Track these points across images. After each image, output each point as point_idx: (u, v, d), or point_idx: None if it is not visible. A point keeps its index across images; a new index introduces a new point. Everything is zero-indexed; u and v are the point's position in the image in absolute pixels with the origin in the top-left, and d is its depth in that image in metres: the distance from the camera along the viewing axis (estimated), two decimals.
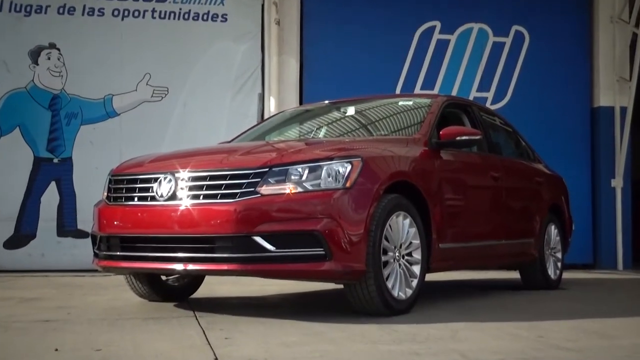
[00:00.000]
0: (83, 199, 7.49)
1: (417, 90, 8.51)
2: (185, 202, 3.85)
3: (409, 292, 4.11)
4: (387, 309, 3.93)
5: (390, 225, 3.97)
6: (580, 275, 7.76)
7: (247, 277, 5.77)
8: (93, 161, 7.57)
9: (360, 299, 3.92)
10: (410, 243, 4.15)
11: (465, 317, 4.09)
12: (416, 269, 4.18)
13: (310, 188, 3.75)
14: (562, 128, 8.88)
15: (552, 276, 6.14)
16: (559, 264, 6.31)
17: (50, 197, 7.60)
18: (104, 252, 4.22)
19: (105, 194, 4.35)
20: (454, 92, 8.55)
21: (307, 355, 2.91)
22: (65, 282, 6.36)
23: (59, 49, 7.75)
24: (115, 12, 7.87)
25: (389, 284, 3.95)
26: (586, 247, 8.83)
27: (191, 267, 3.82)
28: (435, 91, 8.52)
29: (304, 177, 3.78)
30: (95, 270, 4.66)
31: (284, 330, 3.50)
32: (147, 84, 7.88)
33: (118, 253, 4.14)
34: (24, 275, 6.97)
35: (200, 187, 3.87)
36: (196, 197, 3.85)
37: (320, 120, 5.62)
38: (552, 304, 5.08)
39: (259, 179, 3.76)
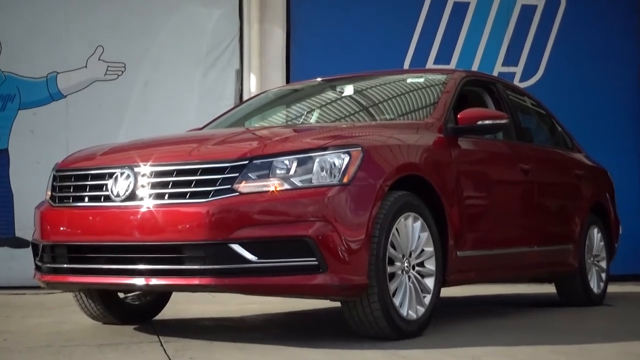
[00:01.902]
0: (22, 200, 7.46)
1: (430, 64, 8.52)
2: (146, 202, 3.84)
3: (421, 310, 4.11)
4: (394, 331, 3.94)
5: (397, 230, 3.98)
6: (628, 289, 7.79)
7: (223, 294, 5.76)
8: (34, 154, 7.55)
9: (361, 319, 3.92)
10: (422, 251, 4.16)
11: (489, 339, 4.10)
12: (429, 282, 4.18)
13: (299, 185, 3.76)
14: (607, 110, 8.89)
15: (595, 290, 6.16)
16: (603, 275, 6.34)
17: None
18: (48, 265, 4.22)
19: (49, 193, 4.35)
20: (475, 67, 8.56)
21: None
22: (0, 301, 6.35)
23: None
24: None
25: (397, 301, 3.95)
26: (636, 254, 8.84)
27: (155, 281, 3.82)
28: (452, 66, 8.52)
29: (291, 172, 3.78)
30: (38, 287, 4.66)
31: (268, 357, 3.50)
32: (99, 58, 7.86)
33: (65, 265, 4.14)
34: None
35: (165, 185, 3.86)
36: (160, 196, 3.85)
37: (311, 101, 5.62)
38: (595, 323, 5.10)
39: (237, 174, 3.76)
